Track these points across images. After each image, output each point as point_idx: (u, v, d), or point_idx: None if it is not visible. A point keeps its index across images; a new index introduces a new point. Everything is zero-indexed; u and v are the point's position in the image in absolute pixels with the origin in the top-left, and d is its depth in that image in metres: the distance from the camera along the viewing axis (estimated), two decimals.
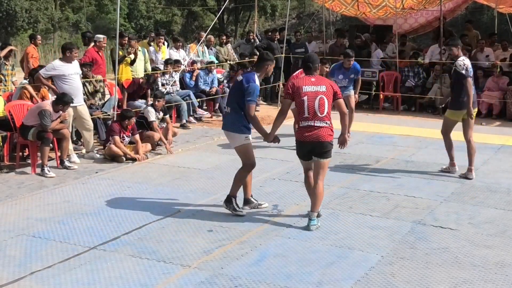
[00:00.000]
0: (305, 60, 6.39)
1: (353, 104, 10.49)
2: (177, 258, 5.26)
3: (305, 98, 5.98)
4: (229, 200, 6.46)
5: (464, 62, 7.79)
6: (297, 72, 9.99)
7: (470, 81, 7.79)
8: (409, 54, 15.09)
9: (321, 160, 6.03)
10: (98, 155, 9.15)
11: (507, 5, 15.79)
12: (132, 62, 11.54)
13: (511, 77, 13.39)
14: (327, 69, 10.12)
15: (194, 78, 13.05)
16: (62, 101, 8.29)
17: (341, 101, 6.19)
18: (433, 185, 7.72)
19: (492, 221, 6.32)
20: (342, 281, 4.83)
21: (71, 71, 8.78)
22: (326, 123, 6.00)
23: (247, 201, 6.66)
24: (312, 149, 6.02)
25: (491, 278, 4.91)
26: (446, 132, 8.30)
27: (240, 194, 6.57)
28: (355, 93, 10.60)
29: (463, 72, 7.74)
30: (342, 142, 6.34)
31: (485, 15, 25.25)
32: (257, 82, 6.28)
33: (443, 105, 8.24)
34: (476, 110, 8.14)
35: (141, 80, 11.17)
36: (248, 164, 6.42)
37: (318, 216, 6.12)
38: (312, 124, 5.96)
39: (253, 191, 6.90)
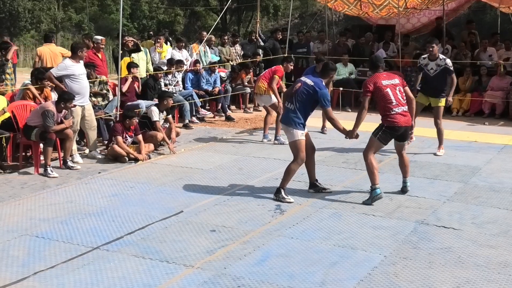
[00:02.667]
0: (373, 60, 7.36)
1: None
2: (180, 258, 5.27)
3: (388, 89, 6.83)
4: (278, 191, 6.98)
5: (450, 60, 9.17)
6: (274, 67, 10.32)
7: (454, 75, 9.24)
8: (412, 54, 15.06)
9: (405, 142, 7.17)
10: (100, 155, 9.16)
11: (510, 4, 15.75)
12: (134, 51, 11.64)
13: None
14: (291, 67, 10.62)
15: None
16: (63, 98, 8.29)
17: (408, 88, 7.13)
18: (436, 185, 7.72)
19: (495, 221, 6.31)
20: (345, 281, 4.83)
21: (81, 71, 8.82)
22: (407, 108, 6.94)
23: (312, 185, 7.35)
24: (402, 132, 6.94)
25: (494, 278, 4.90)
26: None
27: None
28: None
29: (452, 68, 9.05)
30: (411, 127, 7.66)
31: (487, 15, 25.18)
32: (326, 88, 7.02)
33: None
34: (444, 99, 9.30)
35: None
36: (299, 158, 6.94)
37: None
38: (402, 109, 6.85)
39: (255, 191, 6.95)
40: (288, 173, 6.98)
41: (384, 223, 6.24)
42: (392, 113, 6.81)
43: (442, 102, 9.19)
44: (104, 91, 10.55)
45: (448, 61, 9.05)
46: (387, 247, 5.57)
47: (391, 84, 6.89)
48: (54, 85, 9.11)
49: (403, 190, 7.25)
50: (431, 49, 8.98)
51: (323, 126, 11.08)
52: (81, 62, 8.96)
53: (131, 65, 11.12)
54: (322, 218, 6.37)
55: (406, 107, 6.92)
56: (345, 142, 10.43)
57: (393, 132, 6.89)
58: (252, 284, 4.77)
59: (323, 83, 6.98)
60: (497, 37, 15.31)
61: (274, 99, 10.14)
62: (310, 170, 7.31)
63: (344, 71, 14.66)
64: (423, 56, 9.38)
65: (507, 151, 9.79)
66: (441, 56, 9.15)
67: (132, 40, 12.17)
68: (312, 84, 6.91)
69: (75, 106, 8.54)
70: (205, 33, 14.42)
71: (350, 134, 7.05)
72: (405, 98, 6.95)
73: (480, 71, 13.80)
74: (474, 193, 7.34)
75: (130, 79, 10.86)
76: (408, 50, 15.23)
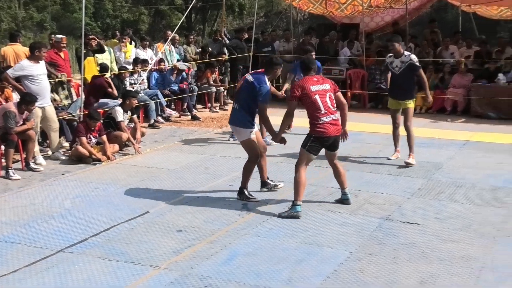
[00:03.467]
0: (305, 62, 6.82)
1: None
2: (147, 259, 5.23)
3: (317, 96, 6.38)
4: (241, 191, 6.96)
5: (415, 56, 8.79)
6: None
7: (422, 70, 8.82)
8: (375, 52, 15.23)
9: (336, 151, 6.69)
10: (63, 157, 9.03)
11: (471, 3, 16.05)
12: (97, 52, 11.52)
13: (475, 74, 13.62)
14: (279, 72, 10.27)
15: (174, 75, 13.00)
16: (25, 100, 8.16)
17: (340, 94, 6.72)
18: (400, 181, 7.82)
19: (457, 216, 6.42)
20: (312, 278, 4.86)
21: (39, 71, 8.67)
22: (337, 116, 6.53)
23: (264, 184, 7.26)
24: (332, 142, 6.53)
25: (457, 272, 4.99)
26: (399, 123, 8.92)
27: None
28: None
29: (418, 64, 8.63)
30: (344, 135, 6.75)
31: (449, 14, 25.57)
32: (268, 84, 6.78)
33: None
34: (414, 100, 8.89)
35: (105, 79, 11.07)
36: (253, 156, 6.93)
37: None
38: (331, 118, 6.42)
39: (221, 190, 6.96)
40: (246, 173, 6.97)
41: (349, 220, 6.29)
42: (320, 122, 6.37)
43: (411, 104, 8.73)
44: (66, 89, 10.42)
45: (413, 57, 8.66)
46: (352, 243, 5.62)
47: (321, 90, 6.44)
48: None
49: (344, 203, 6.78)
50: (391, 47, 8.78)
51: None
52: (41, 62, 8.81)
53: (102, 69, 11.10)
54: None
55: (337, 114, 6.50)
56: None
57: (322, 142, 6.47)
58: (219, 283, 4.77)
59: (266, 79, 6.78)
60: (458, 36, 15.58)
61: None
62: (261, 169, 7.19)
63: None
64: (389, 54, 9.10)
65: (468, 147, 9.97)
66: (406, 52, 8.82)
67: (95, 40, 12.04)
68: (252, 80, 6.77)
69: (34, 107, 8.41)
70: (170, 32, 14.35)
71: (275, 138, 6.87)
72: (335, 105, 6.51)
73: (442, 69, 14.02)
74: (437, 189, 7.45)
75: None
76: (372, 49, 15.41)
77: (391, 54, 8.83)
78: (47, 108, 8.85)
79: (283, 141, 6.81)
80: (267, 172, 7.32)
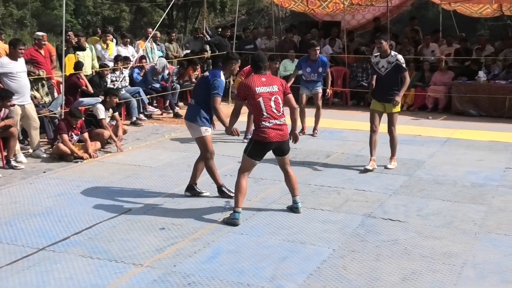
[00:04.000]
0: (254, 59, 6.38)
1: (320, 101, 10.63)
2: (129, 257, 5.21)
3: (261, 99, 6.05)
4: (191, 188, 6.92)
5: (401, 56, 8.25)
6: (245, 68, 10.03)
7: (407, 73, 8.32)
8: (359, 49, 15.27)
9: (286, 156, 6.32)
10: (44, 154, 8.95)
11: (451, 0, 16.16)
12: (79, 49, 11.44)
13: (456, 72, 13.74)
14: (276, 66, 10.20)
15: (142, 74, 12.92)
16: (1, 96, 8.07)
17: (291, 96, 6.36)
18: (382, 178, 7.86)
19: (439, 213, 6.47)
20: (295, 275, 4.87)
21: (19, 69, 8.59)
22: (284, 120, 6.16)
23: (190, 188, 7.01)
24: (276, 148, 6.18)
25: (439, 268, 5.03)
26: (377, 126, 8.38)
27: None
28: (327, 87, 10.73)
29: (404, 65, 8.17)
30: (295, 138, 6.47)
31: (430, 12, 25.76)
32: (222, 78, 6.58)
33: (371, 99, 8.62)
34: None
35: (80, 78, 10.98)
36: (208, 153, 6.77)
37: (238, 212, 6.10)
38: (274, 123, 6.05)
39: (204, 187, 6.96)
40: (211, 171, 6.84)
41: (332, 217, 6.32)
42: (261, 126, 6.04)
43: (397, 108, 8.25)
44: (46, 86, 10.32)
45: (400, 57, 8.14)
46: (335, 240, 5.64)
47: (267, 92, 6.08)
48: None
49: (294, 211, 6.42)
50: (379, 45, 8.20)
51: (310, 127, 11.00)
52: (20, 60, 8.72)
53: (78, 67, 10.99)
54: (271, 213, 6.41)
55: (283, 119, 6.11)
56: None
57: (264, 148, 6.12)
58: (202, 281, 4.76)
59: (221, 73, 6.57)
60: (439, 34, 15.69)
61: None
62: (195, 172, 6.98)
63: (291, 66, 14.72)
64: (374, 54, 8.61)
65: (449, 144, 10.05)
66: (393, 52, 8.25)
67: (75, 39, 11.94)
68: (207, 75, 6.65)
69: (14, 105, 8.32)
70: (150, 29, 14.28)
71: (226, 131, 6.55)
72: (281, 109, 6.13)
73: (423, 66, 14.12)
74: (419, 186, 7.50)
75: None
76: (353, 46, 15.47)
77: (377, 54, 8.35)
78: (27, 106, 8.76)
79: (235, 132, 6.52)
80: (199, 178, 7.04)
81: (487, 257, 5.28)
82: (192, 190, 6.99)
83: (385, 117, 8.37)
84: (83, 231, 5.83)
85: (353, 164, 8.62)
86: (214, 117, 6.76)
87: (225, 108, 8.28)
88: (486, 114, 12.88)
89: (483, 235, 5.82)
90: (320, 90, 10.67)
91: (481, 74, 13.10)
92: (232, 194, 6.55)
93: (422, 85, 13.84)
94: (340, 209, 6.58)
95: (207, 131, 6.70)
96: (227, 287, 4.67)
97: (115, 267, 5.00)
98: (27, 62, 9.53)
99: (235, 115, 6.36)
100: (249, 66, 10.10)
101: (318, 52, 10.47)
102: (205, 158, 6.83)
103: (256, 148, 6.14)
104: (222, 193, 6.93)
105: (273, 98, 6.09)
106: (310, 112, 10.92)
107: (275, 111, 6.07)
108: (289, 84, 10.52)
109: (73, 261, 5.12)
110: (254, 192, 7.11)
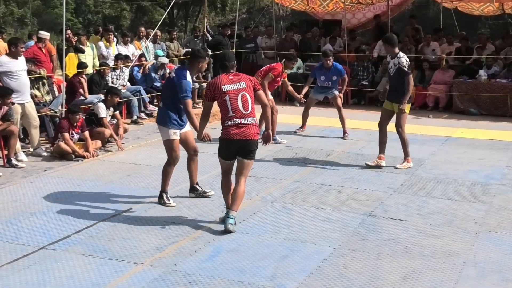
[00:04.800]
0: (221, 59, 6.16)
1: (339, 102, 10.67)
2: (130, 256, 5.21)
3: (227, 97, 5.82)
4: (160, 196, 6.68)
5: (406, 59, 8.08)
6: (263, 68, 10.07)
7: (411, 77, 8.16)
8: (359, 48, 15.27)
9: (246, 160, 5.91)
10: (45, 153, 8.96)
11: None
12: (77, 50, 11.41)
13: (457, 71, 13.74)
14: (294, 65, 10.35)
15: (141, 71, 12.90)
16: (0, 94, 8.08)
17: (261, 92, 6.06)
18: (383, 177, 7.86)
19: (440, 212, 6.47)
20: (296, 274, 4.87)
21: (19, 67, 8.59)
22: (253, 120, 5.88)
23: (192, 189, 6.91)
24: (239, 148, 5.86)
25: (439, 267, 5.03)
26: (382, 124, 8.43)
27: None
28: (340, 92, 10.76)
29: (406, 69, 8.01)
30: (266, 139, 6.12)
31: (430, 10, 25.75)
32: (189, 78, 6.35)
33: (383, 100, 8.57)
34: (409, 105, 8.34)
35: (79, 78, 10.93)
36: (171, 158, 6.58)
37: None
38: (239, 122, 5.80)
39: (205, 186, 6.94)
40: (164, 175, 6.62)
41: (332, 216, 6.32)
42: (225, 125, 5.85)
43: (405, 109, 8.16)
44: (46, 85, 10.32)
45: (403, 60, 7.99)
46: (336, 239, 5.64)
47: (234, 90, 5.84)
48: None
49: (224, 226, 5.80)
50: (384, 47, 8.14)
51: (302, 125, 11.01)
52: (20, 58, 8.72)
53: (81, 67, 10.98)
54: (271, 212, 6.41)
55: (251, 118, 5.85)
56: (293, 136, 10.54)
57: (227, 147, 5.89)
58: (203, 280, 4.76)
59: (187, 73, 6.35)
60: (441, 33, 15.68)
61: (269, 97, 9.73)
62: (190, 173, 6.86)
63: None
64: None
65: (450, 143, 10.05)
66: (400, 54, 8.10)
67: (74, 38, 11.93)
68: (173, 76, 6.42)
69: (13, 103, 8.33)
70: (142, 28, 14.32)
71: (197, 137, 6.25)
72: (249, 108, 5.85)
73: (423, 65, 14.11)
74: (419, 185, 7.50)
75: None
76: (354, 45, 15.46)
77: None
78: (27, 105, 8.77)
79: (206, 137, 6.19)
80: (196, 177, 6.95)
81: (487, 256, 5.28)
82: (195, 191, 6.93)
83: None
84: (83, 230, 5.83)
85: (354, 162, 8.62)
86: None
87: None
88: (487, 112, 12.89)
89: (483, 234, 5.82)
90: (336, 92, 10.74)
91: (482, 72, 13.10)
92: (207, 191, 6.85)
93: (423, 85, 13.83)
94: (340, 208, 6.58)
95: (175, 134, 6.49)
96: (227, 286, 4.67)
97: (115, 266, 5.01)
98: (28, 61, 9.53)
99: (204, 117, 6.11)
100: (267, 66, 10.07)
101: (331, 61, 10.47)
102: (167, 162, 6.61)
103: (221, 147, 5.97)
104: (161, 199, 6.69)
105: (240, 95, 5.83)
106: (311, 112, 10.97)
107: (241, 109, 5.81)
108: (303, 92, 10.64)
109: (73, 260, 5.12)
110: (254, 191, 7.12)
